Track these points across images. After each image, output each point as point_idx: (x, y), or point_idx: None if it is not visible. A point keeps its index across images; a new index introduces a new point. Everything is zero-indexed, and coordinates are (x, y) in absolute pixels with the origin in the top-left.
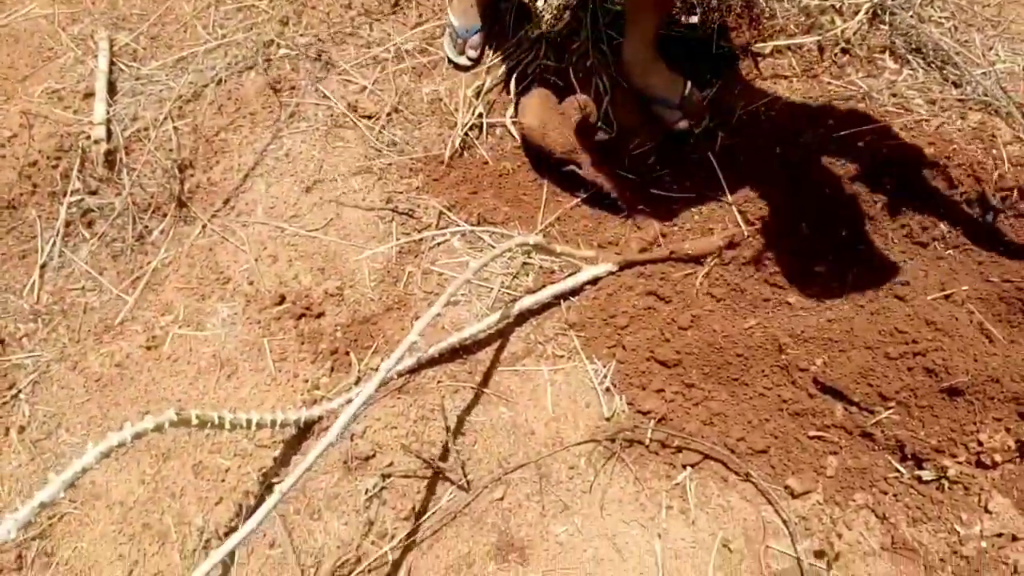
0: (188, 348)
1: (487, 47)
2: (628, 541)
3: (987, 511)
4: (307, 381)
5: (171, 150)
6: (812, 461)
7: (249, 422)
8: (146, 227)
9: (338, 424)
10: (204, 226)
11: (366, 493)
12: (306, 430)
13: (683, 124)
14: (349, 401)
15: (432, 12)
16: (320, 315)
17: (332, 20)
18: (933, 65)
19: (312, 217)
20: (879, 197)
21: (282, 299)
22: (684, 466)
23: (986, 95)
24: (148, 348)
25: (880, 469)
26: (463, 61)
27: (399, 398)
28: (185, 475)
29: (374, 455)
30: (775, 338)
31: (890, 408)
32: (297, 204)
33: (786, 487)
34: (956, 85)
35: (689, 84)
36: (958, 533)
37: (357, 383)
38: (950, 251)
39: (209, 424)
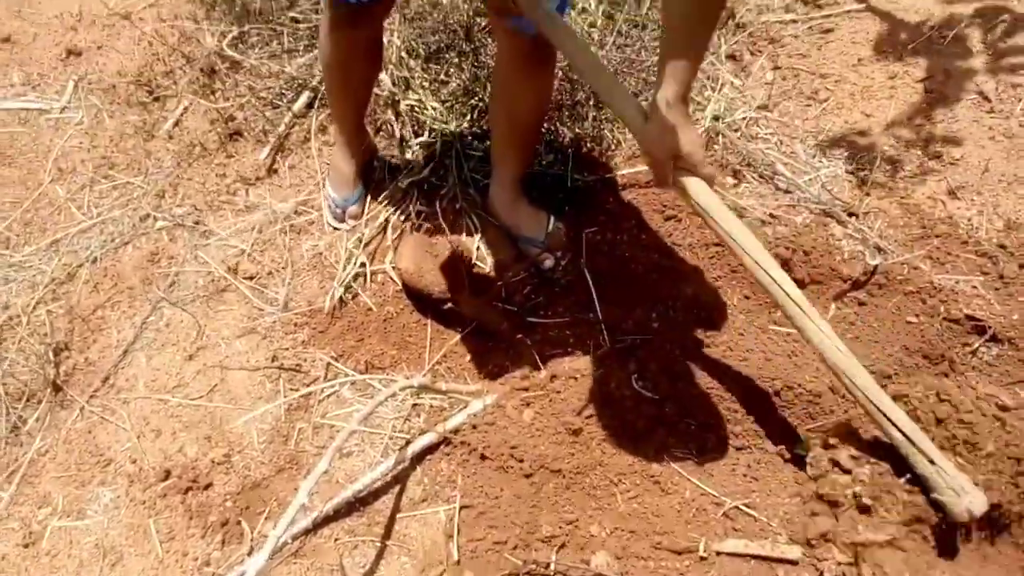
0: (68, 540)
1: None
2: None
3: None
4: (197, 559)
5: (45, 334)
6: None
7: None
8: (20, 417)
9: None
10: (82, 408)
11: None
12: None
13: (549, 262)
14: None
15: (307, 174)
16: (208, 486)
17: (208, 189)
18: (765, 176)
19: (196, 385)
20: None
21: (167, 475)
22: None
23: (815, 199)
24: (25, 546)
25: None
26: (346, 227)
27: (295, 563)
28: None
29: None
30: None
31: None
32: (180, 373)
33: None
34: (787, 191)
35: (552, 220)
36: None
37: (250, 554)
38: None
39: None
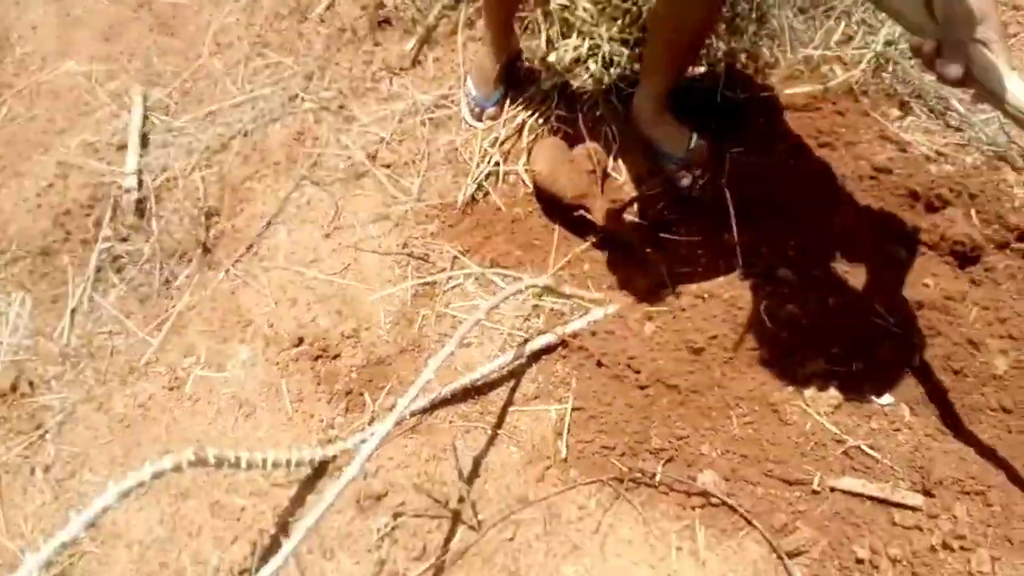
0: (209, 389)
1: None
2: None
3: None
4: (322, 421)
5: (198, 199)
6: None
7: (265, 461)
8: (172, 272)
9: (359, 459)
10: (227, 271)
11: (378, 533)
12: (320, 469)
13: (686, 180)
14: (363, 441)
15: (450, 69)
16: (336, 356)
17: (354, 75)
18: (935, 111)
19: (331, 262)
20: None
21: (300, 341)
22: (693, 508)
23: (989, 141)
24: (170, 389)
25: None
26: (481, 127)
27: (411, 438)
28: (202, 514)
29: (386, 494)
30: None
31: None
32: (316, 250)
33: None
34: (958, 130)
35: (695, 137)
36: (971, 574)
37: (371, 423)
38: None
39: (226, 463)
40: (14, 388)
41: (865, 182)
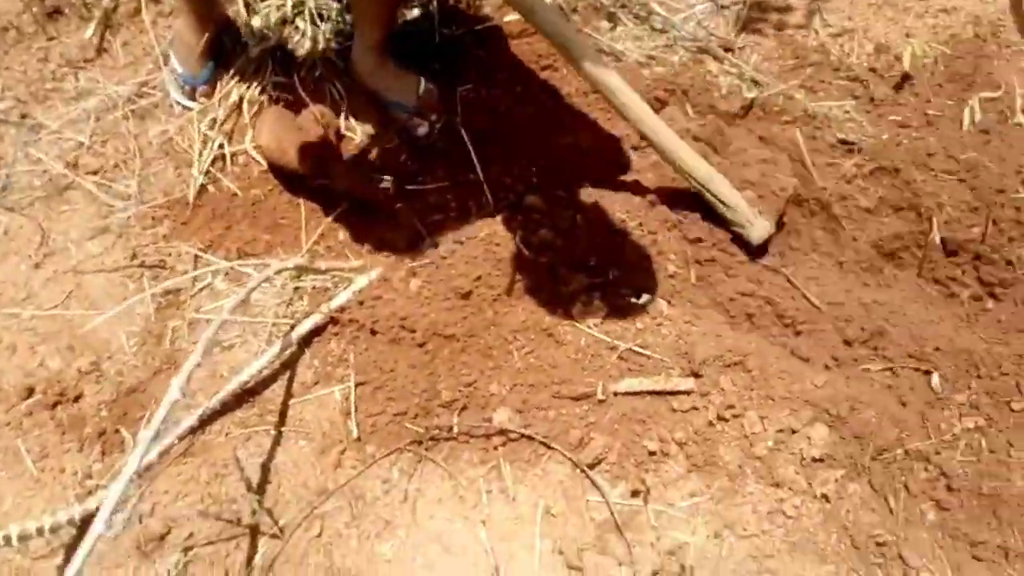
0: None
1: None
2: (455, 538)
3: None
4: (77, 473)
5: None
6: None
7: (8, 538)
8: None
9: (106, 506)
10: None
11: (168, 575)
12: (85, 526)
13: (423, 129)
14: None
15: (143, 52)
16: (78, 397)
17: (30, 78)
18: (640, 17)
19: (48, 294)
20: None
21: (30, 392)
22: (495, 447)
23: (691, 36)
24: None
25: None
26: (195, 106)
27: (185, 462)
28: None
29: (169, 531)
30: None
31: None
32: (28, 284)
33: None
34: (663, 31)
35: (423, 82)
36: (747, 438)
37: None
38: None
39: None
40: None
41: (589, 97)
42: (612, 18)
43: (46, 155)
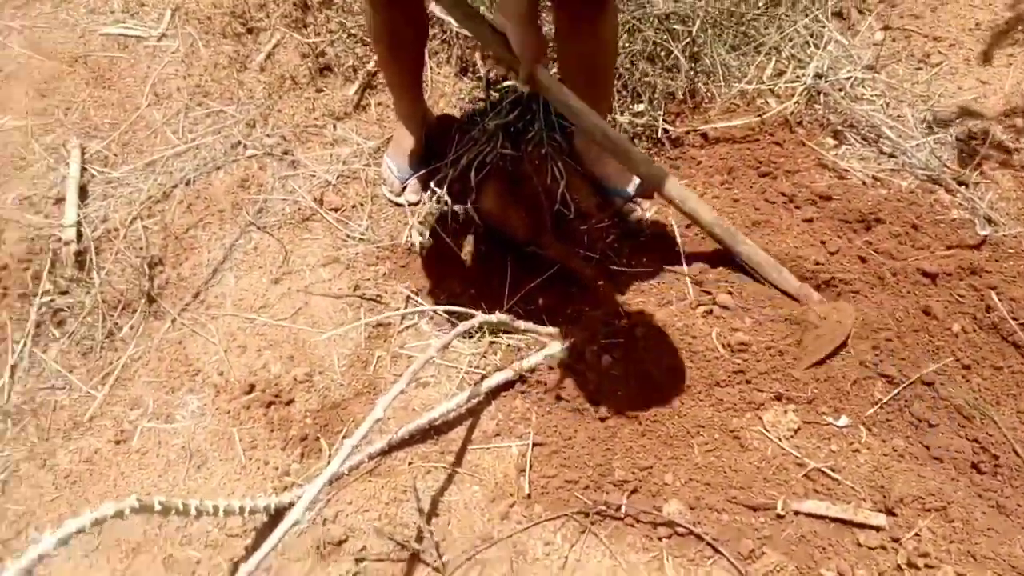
0: (157, 441)
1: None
2: None
3: None
4: (277, 468)
5: (141, 248)
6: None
7: (216, 508)
8: (116, 324)
9: (305, 498)
10: (173, 320)
11: None
12: (277, 517)
13: (635, 215)
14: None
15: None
16: (290, 402)
17: (297, 122)
18: (868, 139)
19: (281, 307)
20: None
21: (251, 388)
22: (660, 538)
23: (921, 165)
24: (117, 443)
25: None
26: (402, 201)
27: (370, 481)
28: (155, 569)
29: (347, 539)
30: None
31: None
32: (266, 295)
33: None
34: (892, 156)
35: None
36: None
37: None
38: None
39: (173, 511)
40: None
41: (807, 209)
42: (838, 136)
43: (299, 188)
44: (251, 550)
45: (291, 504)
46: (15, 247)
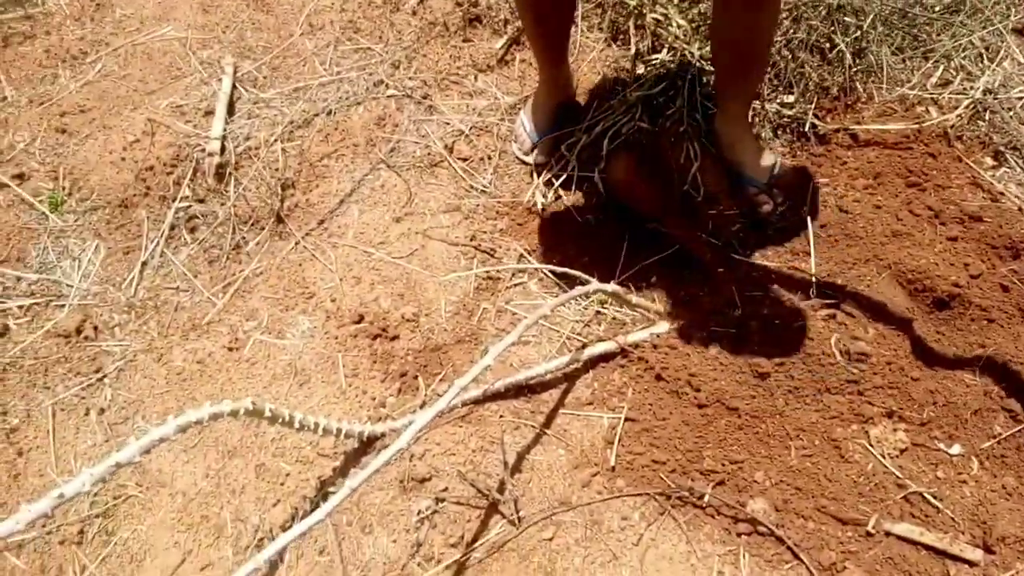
0: (267, 354)
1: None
2: None
3: None
4: (374, 399)
5: (277, 169)
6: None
7: (317, 425)
8: (243, 238)
9: (413, 427)
10: (297, 243)
11: (418, 514)
12: (367, 445)
13: (767, 207)
14: (412, 423)
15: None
16: (395, 338)
17: (440, 68)
18: None
19: (399, 245)
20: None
21: (360, 318)
22: (740, 534)
23: None
24: (230, 349)
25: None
26: (530, 161)
27: (460, 426)
28: (247, 474)
29: (430, 478)
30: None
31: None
32: (386, 232)
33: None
34: None
35: (779, 163)
36: None
37: (422, 407)
38: None
39: (280, 420)
40: (79, 331)
41: (952, 227)
42: (999, 156)
43: (432, 133)
44: (339, 472)
45: (383, 434)
46: (163, 151)
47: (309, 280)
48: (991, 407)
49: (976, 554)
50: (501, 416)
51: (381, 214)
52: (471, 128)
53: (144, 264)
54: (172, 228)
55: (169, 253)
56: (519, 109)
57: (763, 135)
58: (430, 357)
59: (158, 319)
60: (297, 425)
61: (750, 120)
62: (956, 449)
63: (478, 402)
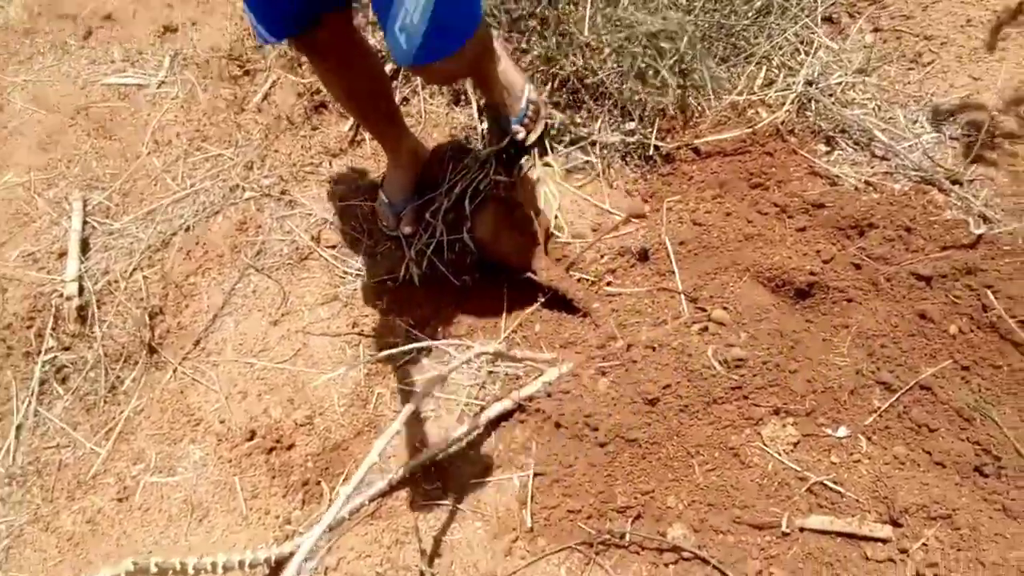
0: (159, 495)
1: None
2: None
3: None
4: (279, 517)
5: (141, 299)
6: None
7: (214, 565)
8: (118, 377)
9: (300, 552)
10: (175, 370)
11: None
12: (278, 568)
13: (521, 135)
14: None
15: None
16: (291, 447)
17: (293, 161)
18: (860, 143)
19: (280, 349)
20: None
21: (252, 435)
22: (667, 564)
23: (915, 166)
24: (120, 500)
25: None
26: (398, 235)
27: (372, 524)
28: None
29: None
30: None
31: None
32: (265, 338)
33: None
34: (884, 159)
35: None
36: None
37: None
38: None
39: (171, 571)
40: None
41: (799, 218)
42: (830, 142)
43: (296, 227)
44: None
45: (291, 554)
46: (18, 305)
47: (193, 406)
48: (866, 383)
49: (885, 530)
50: (412, 502)
51: (257, 320)
52: (334, 214)
53: (18, 428)
54: (42, 383)
55: (43, 410)
56: (378, 187)
57: (612, 165)
58: (331, 458)
59: (41, 483)
60: (192, 572)
61: (500, 68)
62: (843, 431)
63: (386, 493)
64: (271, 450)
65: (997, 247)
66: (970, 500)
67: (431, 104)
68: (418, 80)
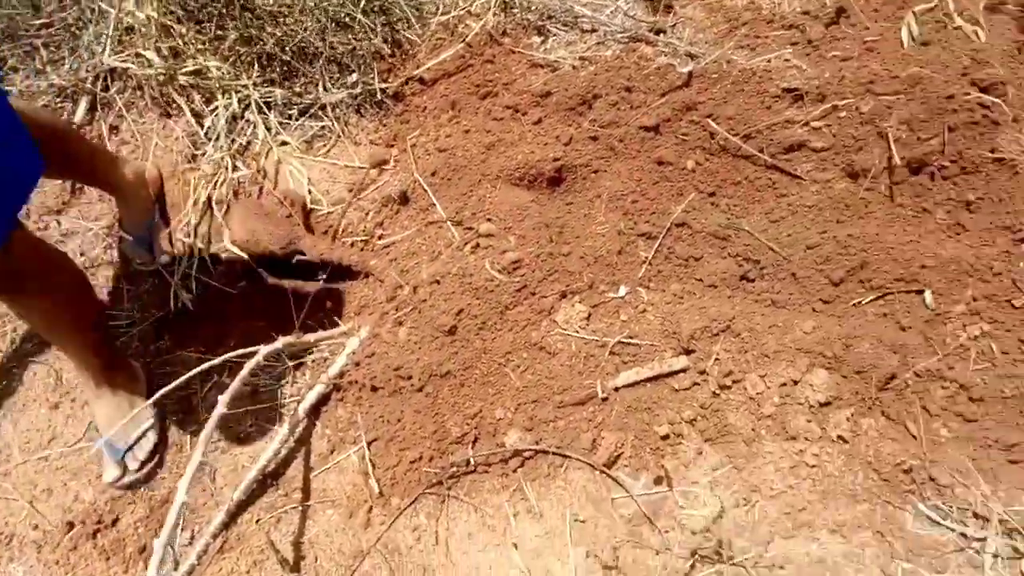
0: None
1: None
2: (491, 567)
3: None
4: None
5: None
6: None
7: None
8: None
9: None
10: None
11: None
12: None
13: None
14: None
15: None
16: (115, 521)
17: None
18: (568, 23)
19: (71, 429)
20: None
21: (71, 526)
22: (515, 470)
23: (620, 28)
24: None
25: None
26: (156, 267)
27: (224, 557)
28: None
29: None
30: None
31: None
32: (51, 426)
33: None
34: (592, 31)
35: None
36: (753, 399)
37: (176, 568)
38: None
39: None
40: None
41: (532, 112)
42: (542, 31)
43: None
44: None
45: None
46: None
47: (0, 525)
48: (630, 240)
49: (682, 361)
50: (258, 520)
51: (36, 411)
52: (84, 268)
53: None
54: None
55: None
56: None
57: (348, 122)
58: (162, 514)
59: None
60: None
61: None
62: (623, 290)
63: (228, 525)
64: (95, 533)
65: (707, 78)
66: (743, 306)
67: (142, 124)
68: (120, 103)
